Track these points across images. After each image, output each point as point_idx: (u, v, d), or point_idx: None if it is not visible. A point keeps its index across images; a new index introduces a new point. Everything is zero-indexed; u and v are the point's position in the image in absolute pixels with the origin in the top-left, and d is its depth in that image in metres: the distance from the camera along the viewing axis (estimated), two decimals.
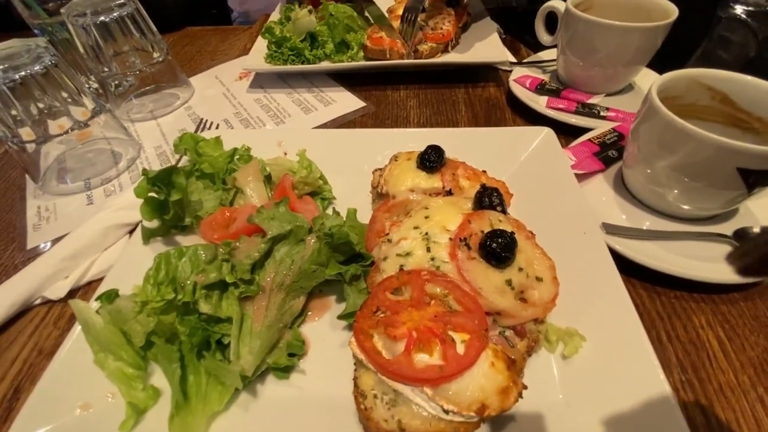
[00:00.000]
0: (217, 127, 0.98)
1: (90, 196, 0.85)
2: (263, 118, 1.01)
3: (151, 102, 1.10)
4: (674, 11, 0.81)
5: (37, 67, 0.74)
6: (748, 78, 0.63)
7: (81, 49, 0.96)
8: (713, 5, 0.84)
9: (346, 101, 1.04)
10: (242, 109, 1.04)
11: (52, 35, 1.07)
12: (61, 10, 0.92)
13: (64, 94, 0.81)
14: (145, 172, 0.61)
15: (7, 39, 1.41)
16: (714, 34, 0.82)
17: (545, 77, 1.00)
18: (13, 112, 0.77)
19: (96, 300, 0.54)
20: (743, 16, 0.77)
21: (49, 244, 0.75)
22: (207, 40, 1.42)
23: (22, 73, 0.73)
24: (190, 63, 1.29)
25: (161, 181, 0.61)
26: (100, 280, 0.68)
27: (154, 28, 1.02)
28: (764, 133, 0.62)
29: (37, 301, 0.65)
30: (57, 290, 0.65)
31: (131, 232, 0.75)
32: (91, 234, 0.71)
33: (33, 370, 0.58)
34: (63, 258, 0.66)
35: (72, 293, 0.66)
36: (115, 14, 0.92)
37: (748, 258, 0.59)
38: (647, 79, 0.97)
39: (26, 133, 0.78)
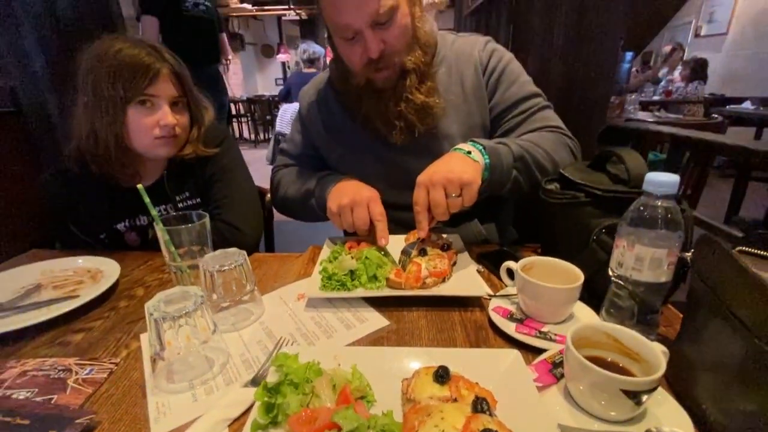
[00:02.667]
0: (291, 344, 1.37)
1: (194, 394, 1.17)
2: (317, 333, 1.42)
3: (232, 316, 1.53)
4: (581, 276, 1.33)
5: (192, 307, 1.19)
6: (625, 329, 1.08)
7: (202, 284, 1.45)
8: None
9: (375, 320, 1.48)
10: (302, 326, 1.46)
11: (180, 270, 1.59)
12: (198, 263, 1.45)
13: (198, 313, 1.23)
14: (266, 382, 0.97)
15: (122, 259, 1.94)
16: (610, 290, 1.33)
17: (512, 308, 1.47)
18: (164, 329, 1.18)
19: None
20: (620, 282, 1.28)
21: None
22: (270, 264, 1.97)
23: (183, 311, 1.17)
24: (259, 283, 1.78)
25: (273, 388, 0.97)
26: None
27: (251, 268, 1.54)
28: (639, 362, 1.03)
29: None
30: None
31: (229, 425, 1.05)
32: (206, 427, 1.00)
33: None
34: None
35: None
36: (233, 265, 1.44)
37: None
38: (584, 312, 1.44)
39: (169, 351, 1.17)
